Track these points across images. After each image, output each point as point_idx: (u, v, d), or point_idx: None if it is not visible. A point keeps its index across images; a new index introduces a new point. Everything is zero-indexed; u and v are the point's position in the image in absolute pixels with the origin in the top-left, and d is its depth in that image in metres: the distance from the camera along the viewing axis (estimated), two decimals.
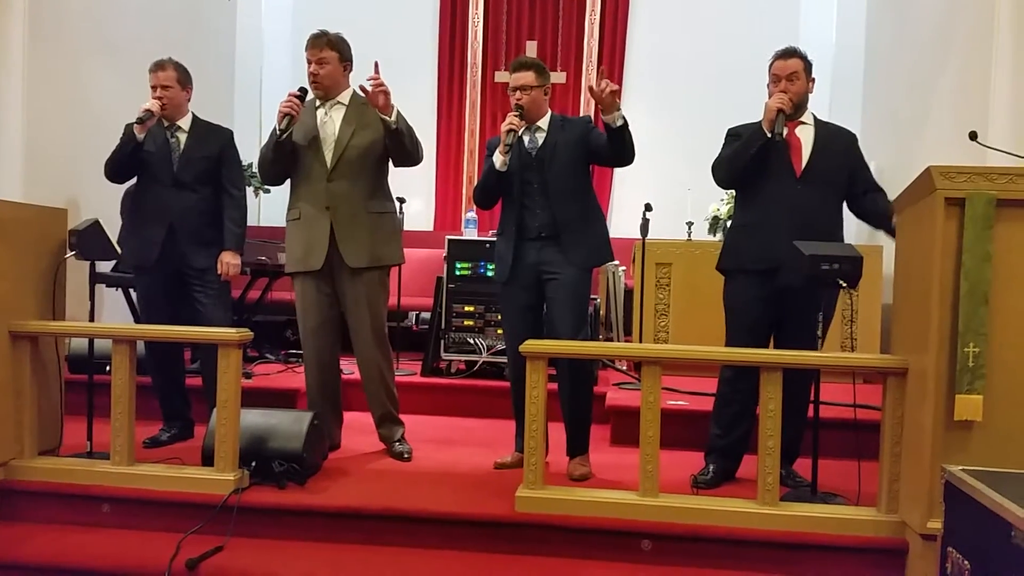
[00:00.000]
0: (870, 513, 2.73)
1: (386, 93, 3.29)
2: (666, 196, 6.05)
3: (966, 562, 2.06)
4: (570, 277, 3.22)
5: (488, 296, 4.66)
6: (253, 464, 3.05)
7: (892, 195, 2.98)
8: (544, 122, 3.36)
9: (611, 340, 5.24)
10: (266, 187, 6.79)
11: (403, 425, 3.66)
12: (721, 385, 3.26)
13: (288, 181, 3.57)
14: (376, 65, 3.30)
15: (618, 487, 2.99)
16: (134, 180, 3.71)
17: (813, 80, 3.19)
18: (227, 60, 7.19)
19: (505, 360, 4.63)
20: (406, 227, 5.17)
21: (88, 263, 3.43)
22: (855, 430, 3.08)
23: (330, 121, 3.47)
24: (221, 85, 6.93)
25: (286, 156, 3.44)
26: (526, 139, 3.33)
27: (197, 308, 3.62)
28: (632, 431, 2.97)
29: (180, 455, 3.32)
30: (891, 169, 5.81)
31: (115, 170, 3.60)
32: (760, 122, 3.09)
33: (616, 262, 4.94)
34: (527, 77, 3.28)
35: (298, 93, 3.37)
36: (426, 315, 5.73)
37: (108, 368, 3.11)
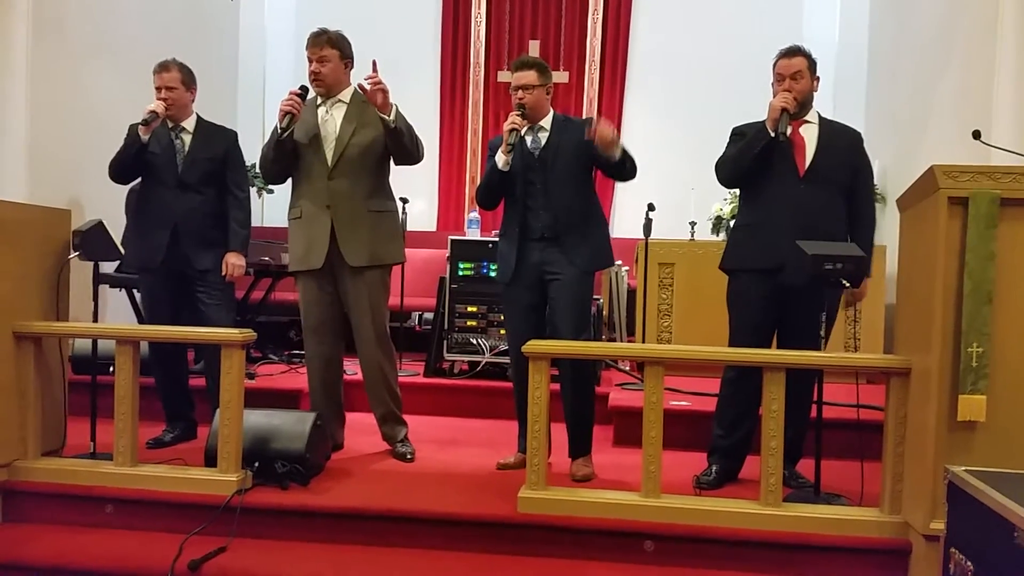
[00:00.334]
0: (873, 514, 2.72)
1: (384, 92, 3.29)
2: (669, 196, 6.04)
3: (969, 563, 2.06)
4: (572, 278, 3.22)
5: (491, 296, 4.65)
6: (256, 465, 3.06)
7: (895, 195, 2.97)
8: (547, 122, 3.35)
9: (614, 340, 5.24)
10: (269, 187, 6.80)
11: (406, 425, 3.66)
12: (724, 386, 3.25)
13: (290, 180, 3.57)
14: (374, 64, 3.30)
15: (621, 488, 2.98)
16: (138, 179, 3.72)
17: (818, 79, 3.18)
18: (230, 60, 7.20)
19: (508, 361, 4.63)
20: (409, 228, 5.19)
21: (92, 264, 3.43)
22: (858, 430, 3.08)
23: (331, 119, 3.47)
24: (224, 85, 6.94)
25: (287, 155, 3.44)
26: (529, 139, 3.32)
27: (200, 309, 3.63)
28: (635, 432, 2.97)
29: (183, 456, 3.33)
30: (894, 168, 5.80)
31: (119, 171, 3.61)
32: (764, 121, 3.09)
33: (619, 262, 4.94)
34: (529, 76, 3.28)
35: (299, 91, 3.37)
36: (429, 315, 5.74)
37: (112, 369, 3.11)
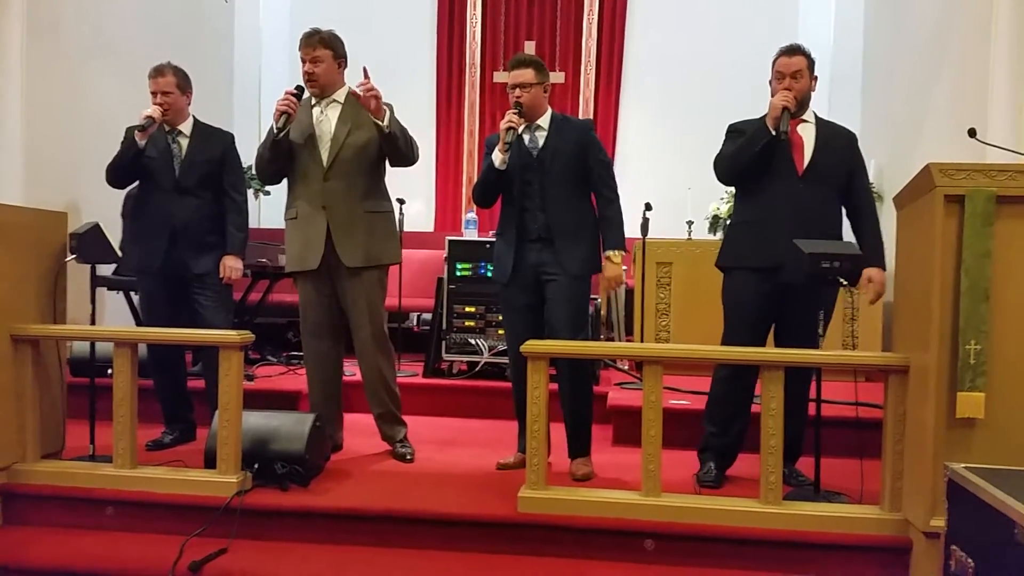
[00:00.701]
0: (873, 511, 2.73)
1: (377, 98, 3.29)
2: (666, 195, 6.04)
3: (970, 560, 2.06)
4: (567, 279, 3.23)
5: (489, 297, 4.66)
6: (255, 466, 3.05)
7: (891, 193, 2.98)
8: (544, 120, 3.34)
9: (612, 340, 5.24)
10: (266, 189, 6.80)
11: (406, 425, 3.66)
12: (716, 383, 3.26)
13: (285, 181, 3.57)
14: (365, 70, 3.30)
15: (620, 487, 2.99)
16: (136, 183, 3.71)
17: (816, 78, 3.19)
18: (226, 62, 7.19)
19: (506, 361, 4.63)
20: (406, 228, 5.18)
21: (89, 266, 3.43)
22: (857, 428, 3.08)
23: (326, 119, 3.47)
24: (220, 87, 6.94)
25: (283, 155, 3.44)
26: (526, 138, 3.32)
27: (199, 311, 3.63)
28: (634, 431, 2.97)
29: (183, 458, 3.33)
30: (890, 167, 5.82)
31: (116, 176, 3.60)
32: (763, 119, 3.09)
33: None
34: (526, 75, 3.27)
35: (295, 91, 3.37)
36: (427, 316, 5.74)
37: (110, 371, 3.11)
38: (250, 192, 5.59)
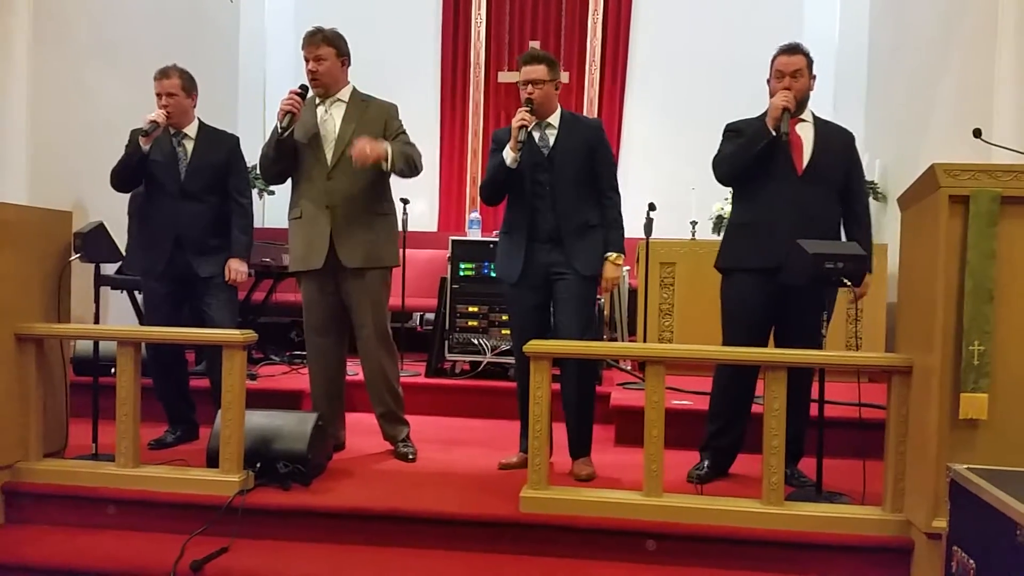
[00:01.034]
0: (875, 512, 2.72)
1: (371, 154, 3.26)
2: (670, 195, 6.03)
3: (971, 561, 2.05)
4: (577, 279, 3.23)
5: (492, 296, 4.66)
6: (258, 465, 3.06)
7: (895, 193, 2.98)
8: (555, 118, 3.32)
9: (615, 340, 5.24)
10: (270, 189, 6.81)
11: (408, 425, 3.66)
12: (716, 384, 3.27)
13: (289, 180, 3.57)
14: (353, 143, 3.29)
15: (622, 487, 2.99)
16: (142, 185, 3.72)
17: (814, 77, 3.18)
18: (230, 62, 7.20)
19: (509, 360, 4.65)
20: (410, 228, 5.19)
21: (93, 265, 3.44)
22: (860, 429, 3.08)
23: (330, 118, 3.47)
24: (225, 88, 6.95)
25: (288, 154, 3.44)
26: (536, 135, 3.29)
27: (204, 311, 3.64)
28: (636, 431, 2.97)
29: (185, 457, 3.33)
30: (895, 167, 5.80)
31: (121, 180, 3.61)
32: (762, 118, 3.09)
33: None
34: (539, 71, 3.24)
35: (299, 91, 3.36)
36: (430, 316, 5.74)
37: (113, 370, 3.11)
38: (254, 192, 5.60)
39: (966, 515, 2.11)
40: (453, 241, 4.86)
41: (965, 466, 2.17)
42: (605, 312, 5.16)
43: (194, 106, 3.69)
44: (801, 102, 3.13)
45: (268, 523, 2.90)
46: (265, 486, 3.03)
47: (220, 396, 3.05)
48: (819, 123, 3.19)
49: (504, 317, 4.64)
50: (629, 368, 4.96)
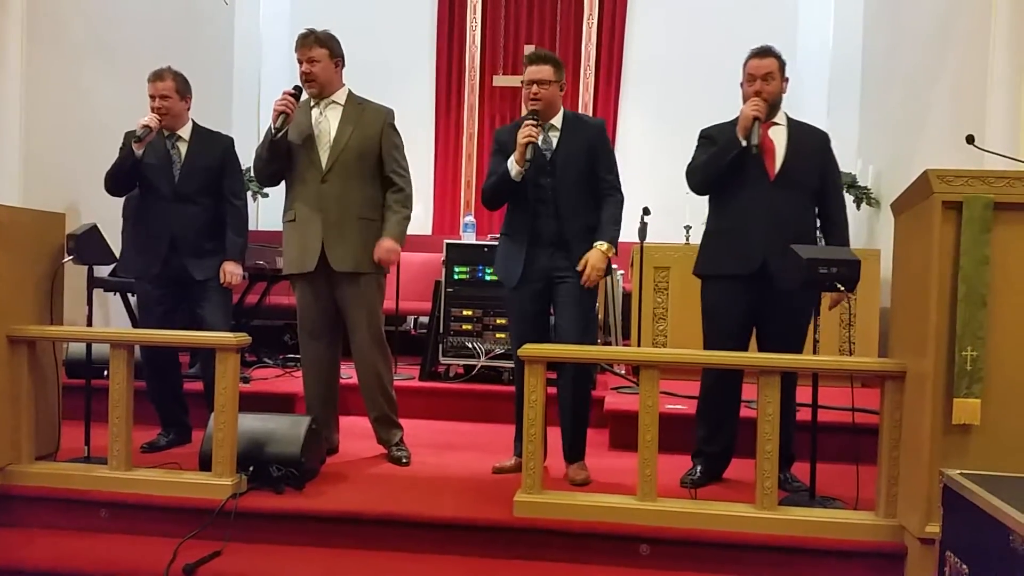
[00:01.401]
0: (868, 517, 2.73)
1: (393, 258, 3.46)
2: (664, 199, 6.03)
3: (964, 566, 2.06)
4: (578, 282, 3.20)
5: (486, 300, 4.66)
6: (251, 469, 3.05)
7: (889, 199, 2.99)
8: (558, 120, 3.28)
9: (609, 344, 5.24)
10: (264, 191, 6.80)
11: (402, 429, 3.66)
12: (704, 390, 3.28)
13: (283, 183, 3.56)
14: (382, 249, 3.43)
15: (616, 491, 2.98)
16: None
17: (787, 80, 3.18)
18: (225, 65, 7.19)
19: (503, 364, 4.65)
20: None
21: (86, 267, 3.43)
22: (853, 434, 3.08)
23: (325, 120, 3.47)
24: (219, 90, 6.94)
25: (282, 156, 3.43)
26: (539, 138, 3.22)
27: (199, 314, 3.63)
28: (630, 435, 2.97)
29: (178, 460, 3.32)
30: (888, 172, 5.82)
31: (115, 184, 3.60)
32: (734, 123, 3.09)
33: (614, 266, 4.94)
34: (544, 71, 3.19)
35: (293, 92, 3.36)
36: (424, 319, 5.73)
37: (106, 373, 3.10)
38: (248, 195, 5.59)
39: (959, 520, 2.11)
40: (447, 244, 4.85)
41: (958, 471, 2.18)
42: (599, 316, 5.16)
43: (188, 108, 3.67)
44: (773, 105, 3.13)
45: (261, 527, 2.89)
46: (258, 489, 3.02)
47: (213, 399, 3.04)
48: (792, 125, 3.18)
49: (498, 320, 4.64)
50: (623, 372, 4.95)
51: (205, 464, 3.06)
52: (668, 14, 7.49)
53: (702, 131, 3.28)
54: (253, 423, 3.16)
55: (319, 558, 2.78)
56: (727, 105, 5.37)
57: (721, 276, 3.17)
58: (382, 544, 2.84)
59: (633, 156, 7.52)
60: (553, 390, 3.28)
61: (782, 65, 3.14)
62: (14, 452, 3.12)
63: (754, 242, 3.04)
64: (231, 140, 3.78)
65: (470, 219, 5.47)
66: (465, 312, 4.72)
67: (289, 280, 3.59)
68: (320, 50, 3.42)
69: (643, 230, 4.77)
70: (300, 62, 3.43)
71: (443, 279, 4.79)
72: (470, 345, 4.70)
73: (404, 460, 3.52)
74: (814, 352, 2.91)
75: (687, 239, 5.76)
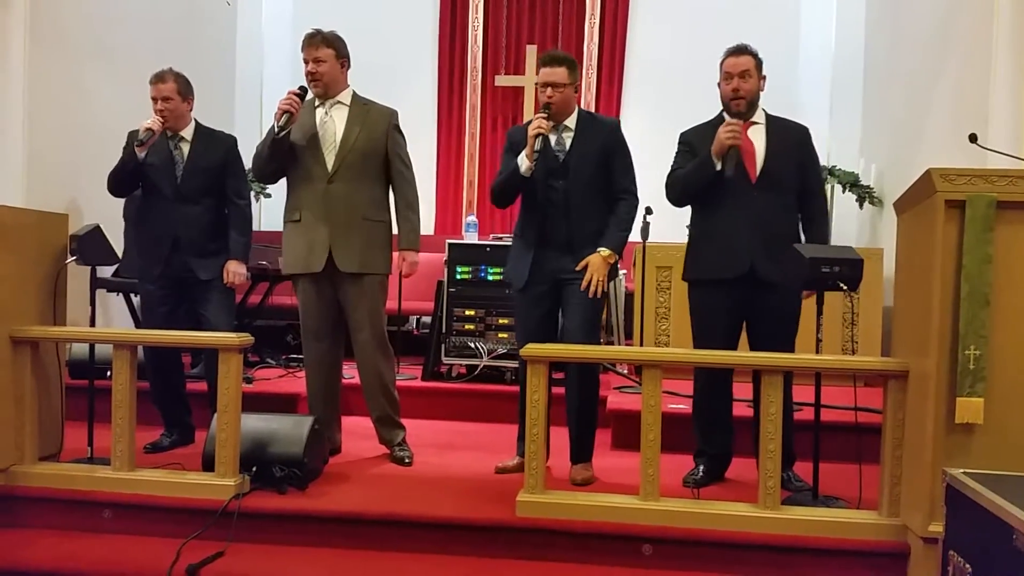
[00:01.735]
0: (871, 517, 2.72)
1: (415, 268, 3.56)
2: (666, 200, 6.05)
3: (968, 565, 2.06)
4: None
5: (489, 300, 4.66)
6: (254, 469, 3.05)
7: (892, 198, 2.98)
8: (572, 121, 3.25)
9: (612, 344, 5.24)
10: (267, 192, 6.80)
11: (404, 429, 3.66)
12: (696, 393, 3.29)
13: (284, 182, 3.56)
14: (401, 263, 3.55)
15: (619, 491, 2.98)
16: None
17: (764, 78, 3.17)
18: (227, 66, 7.20)
19: (506, 364, 4.65)
20: None
21: (89, 268, 3.43)
22: (856, 433, 3.08)
23: (331, 121, 3.47)
24: (221, 91, 6.94)
25: (284, 154, 3.43)
26: (552, 138, 3.20)
27: (202, 313, 3.63)
28: (633, 435, 2.97)
29: (181, 460, 3.33)
30: (890, 171, 5.81)
31: (117, 186, 3.61)
32: (712, 124, 3.09)
33: (622, 271, 4.93)
34: (559, 73, 3.16)
35: (298, 91, 3.36)
36: (427, 319, 5.74)
37: (109, 373, 3.10)
38: (251, 195, 5.59)
39: (962, 519, 2.11)
40: (450, 244, 4.85)
41: (961, 471, 2.18)
42: (602, 316, 5.16)
43: (191, 109, 3.68)
44: (751, 103, 3.13)
45: (264, 527, 2.89)
46: (261, 490, 3.02)
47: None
48: (771, 123, 3.18)
49: (501, 320, 4.65)
50: (626, 372, 4.95)
51: (208, 464, 3.06)
52: (670, 14, 7.47)
53: (681, 135, 3.28)
54: (256, 423, 3.16)
55: (322, 558, 2.78)
56: None
57: (707, 280, 3.17)
58: (385, 544, 2.84)
59: (635, 156, 7.48)
60: (561, 391, 3.29)
61: (759, 63, 3.14)
62: (17, 453, 3.12)
63: (740, 244, 3.05)
64: (234, 140, 3.78)
65: (472, 219, 5.46)
66: (467, 312, 4.72)
67: (291, 280, 3.60)
68: (327, 50, 3.42)
69: (645, 230, 4.77)
70: (306, 62, 3.43)
71: (445, 279, 4.79)
72: (472, 345, 4.70)
73: (407, 460, 3.52)
74: (816, 352, 2.90)
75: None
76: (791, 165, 3.13)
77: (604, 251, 3.17)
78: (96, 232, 3.33)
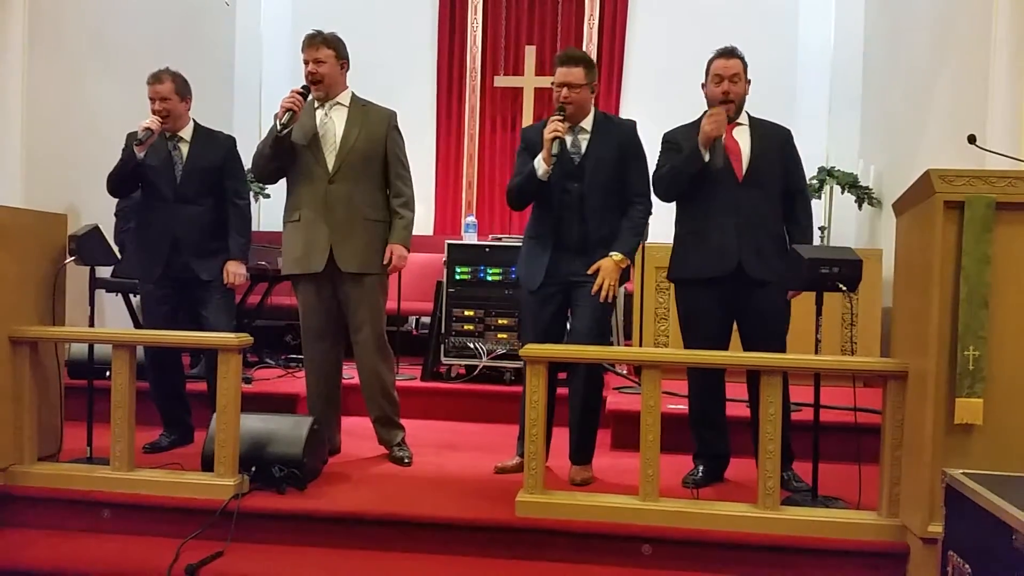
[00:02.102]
0: (871, 517, 2.73)
1: (403, 262, 3.50)
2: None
3: (967, 566, 2.06)
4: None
5: (488, 300, 4.67)
6: (253, 469, 3.05)
7: (890, 199, 2.99)
8: (588, 122, 3.22)
9: (611, 344, 5.23)
10: (266, 192, 6.80)
11: (403, 429, 3.66)
12: (690, 396, 3.29)
13: (284, 183, 3.56)
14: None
15: (618, 491, 2.98)
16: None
17: (749, 81, 3.20)
18: (226, 67, 7.19)
19: (505, 364, 4.65)
20: None
21: (88, 268, 3.43)
22: (856, 433, 3.08)
23: (331, 122, 3.47)
24: (220, 92, 6.94)
25: (284, 154, 3.43)
26: (568, 140, 3.17)
27: (202, 314, 3.63)
28: (632, 435, 2.97)
29: (180, 460, 3.33)
30: (889, 172, 5.82)
31: (116, 187, 3.61)
32: (695, 125, 3.10)
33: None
34: (575, 74, 3.13)
35: (301, 91, 3.36)
36: (426, 319, 5.73)
37: (108, 373, 3.10)
38: (250, 195, 5.59)
39: (962, 520, 2.11)
40: (449, 245, 4.85)
41: (961, 471, 2.18)
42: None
43: (189, 109, 3.67)
44: (738, 106, 3.15)
45: (263, 527, 2.89)
46: (260, 490, 3.02)
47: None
48: (755, 124, 3.20)
49: (500, 321, 4.65)
50: (625, 372, 4.95)
51: (207, 464, 3.06)
52: (669, 14, 7.48)
53: (665, 136, 3.29)
54: (255, 423, 3.16)
55: (321, 558, 2.78)
56: None
57: (694, 279, 3.18)
58: (384, 544, 2.84)
59: None
60: (564, 391, 3.29)
61: (746, 66, 3.17)
62: (16, 453, 3.12)
63: (727, 243, 3.06)
64: (233, 140, 3.78)
65: (471, 219, 5.47)
66: (467, 312, 4.72)
67: (291, 281, 3.59)
68: (327, 51, 3.42)
69: (645, 230, 4.76)
70: (306, 62, 3.43)
71: (445, 279, 4.79)
72: (472, 345, 4.70)
73: (406, 460, 3.52)
74: (816, 352, 2.91)
75: None
76: (776, 165, 3.16)
77: (616, 255, 3.16)
78: (95, 232, 3.32)
